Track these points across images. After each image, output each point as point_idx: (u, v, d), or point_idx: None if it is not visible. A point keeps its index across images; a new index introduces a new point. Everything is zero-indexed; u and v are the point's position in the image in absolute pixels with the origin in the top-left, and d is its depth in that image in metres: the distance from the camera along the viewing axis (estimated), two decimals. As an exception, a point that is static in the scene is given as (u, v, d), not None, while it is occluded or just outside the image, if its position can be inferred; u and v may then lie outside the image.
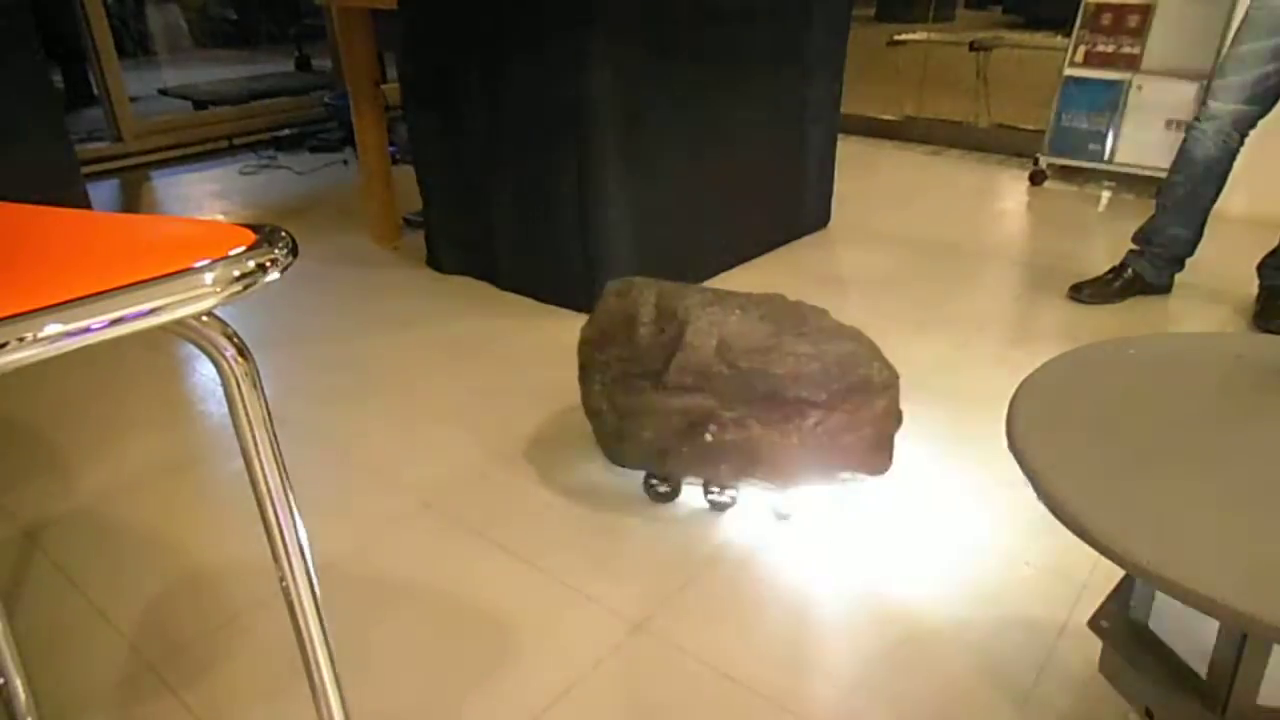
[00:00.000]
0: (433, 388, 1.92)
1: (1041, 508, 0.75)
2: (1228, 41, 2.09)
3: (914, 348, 2.06)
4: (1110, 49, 3.22)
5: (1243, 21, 2.02)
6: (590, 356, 1.50)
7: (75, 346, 0.50)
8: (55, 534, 1.45)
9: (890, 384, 1.40)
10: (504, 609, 1.27)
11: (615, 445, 1.50)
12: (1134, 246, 2.32)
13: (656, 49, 2.12)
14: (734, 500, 1.49)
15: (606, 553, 1.39)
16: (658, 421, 1.41)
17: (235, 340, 0.63)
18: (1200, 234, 2.24)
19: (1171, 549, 0.67)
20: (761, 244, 2.71)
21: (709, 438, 1.39)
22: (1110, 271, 2.34)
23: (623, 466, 1.55)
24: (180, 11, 7.18)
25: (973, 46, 4.04)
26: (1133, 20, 3.16)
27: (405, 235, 2.89)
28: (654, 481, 1.52)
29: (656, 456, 1.45)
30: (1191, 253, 2.28)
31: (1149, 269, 2.30)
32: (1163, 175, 2.26)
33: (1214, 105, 2.08)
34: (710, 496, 1.49)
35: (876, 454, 1.42)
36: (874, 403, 1.39)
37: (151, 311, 0.53)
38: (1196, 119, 2.12)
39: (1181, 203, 2.19)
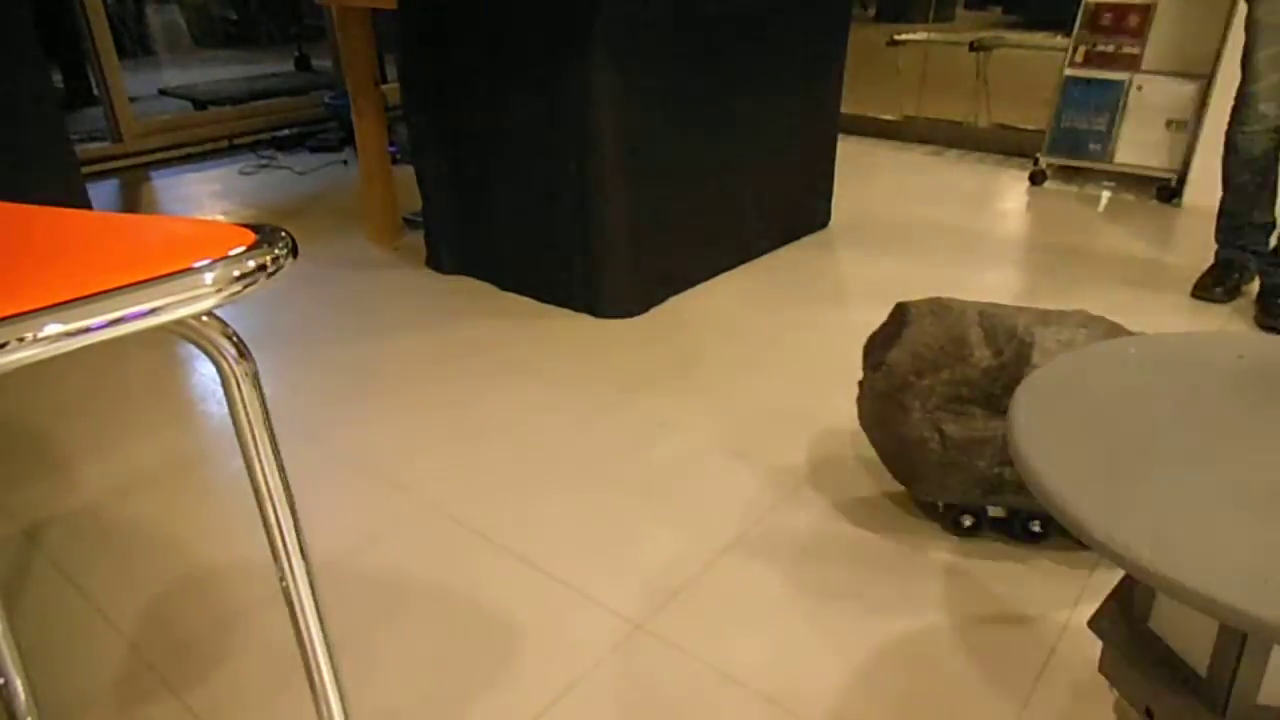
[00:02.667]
0: (433, 387, 1.92)
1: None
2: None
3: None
4: (1110, 49, 3.22)
5: (1257, 29, 2.03)
6: (905, 381, 1.38)
7: (75, 346, 0.50)
8: (55, 534, 1.45)
9: None
10: (506, 608, 1.27)
11: (939, 477, 1.39)
12: (1228, 245, 2.32)
13: (658, 49, 2.12)
14: (1051, 532, 1.39)
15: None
16: (994, 450, 1.32)
17: (235, 340, 0.63)
18: (1274, 218, 2.25)
19: (1171, 549, 0.67)
20: (761, 244, 2.71)
21: None
22: (1222, 268, 2.33)
23: (940, 500, 1.44)
24: (180, 11, 7.19)
25: (973, 46, 4.04)
26: (1133, 20, 3.16)
27: (405, 235, 2.89)
28: (961, 514, 1.42)
29: (987, 487, 1.36)
30: (1271, 236, 2.28)
31: (1253, 260, 2.29)
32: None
33: (1261, 107, 2.08)
34: (1027, 529, 1.40)
35: None
36: None
37: (151, 311, 0.53)
38: (1241, 125, 2.13)
39: (1256, 190, 2.20)
